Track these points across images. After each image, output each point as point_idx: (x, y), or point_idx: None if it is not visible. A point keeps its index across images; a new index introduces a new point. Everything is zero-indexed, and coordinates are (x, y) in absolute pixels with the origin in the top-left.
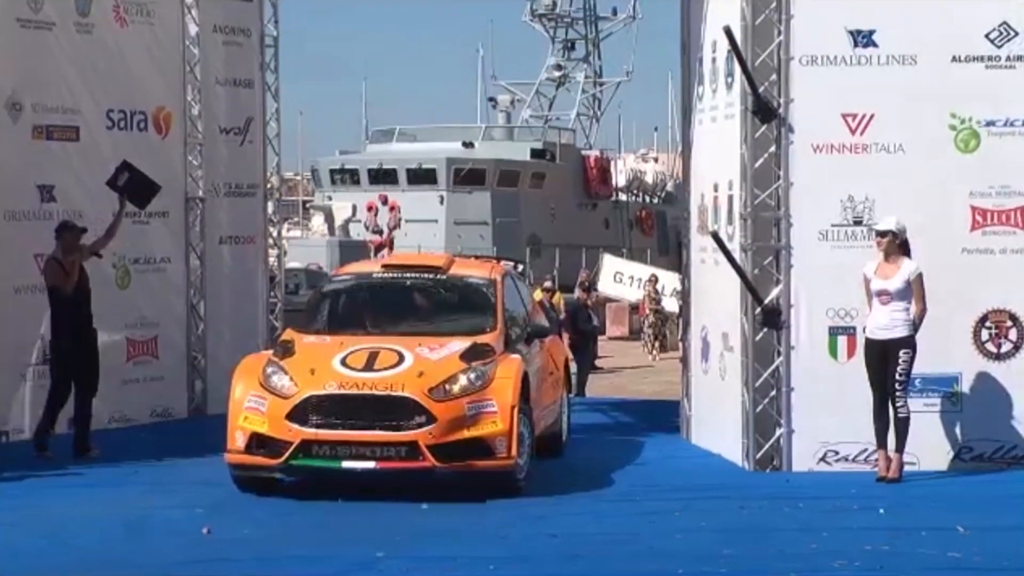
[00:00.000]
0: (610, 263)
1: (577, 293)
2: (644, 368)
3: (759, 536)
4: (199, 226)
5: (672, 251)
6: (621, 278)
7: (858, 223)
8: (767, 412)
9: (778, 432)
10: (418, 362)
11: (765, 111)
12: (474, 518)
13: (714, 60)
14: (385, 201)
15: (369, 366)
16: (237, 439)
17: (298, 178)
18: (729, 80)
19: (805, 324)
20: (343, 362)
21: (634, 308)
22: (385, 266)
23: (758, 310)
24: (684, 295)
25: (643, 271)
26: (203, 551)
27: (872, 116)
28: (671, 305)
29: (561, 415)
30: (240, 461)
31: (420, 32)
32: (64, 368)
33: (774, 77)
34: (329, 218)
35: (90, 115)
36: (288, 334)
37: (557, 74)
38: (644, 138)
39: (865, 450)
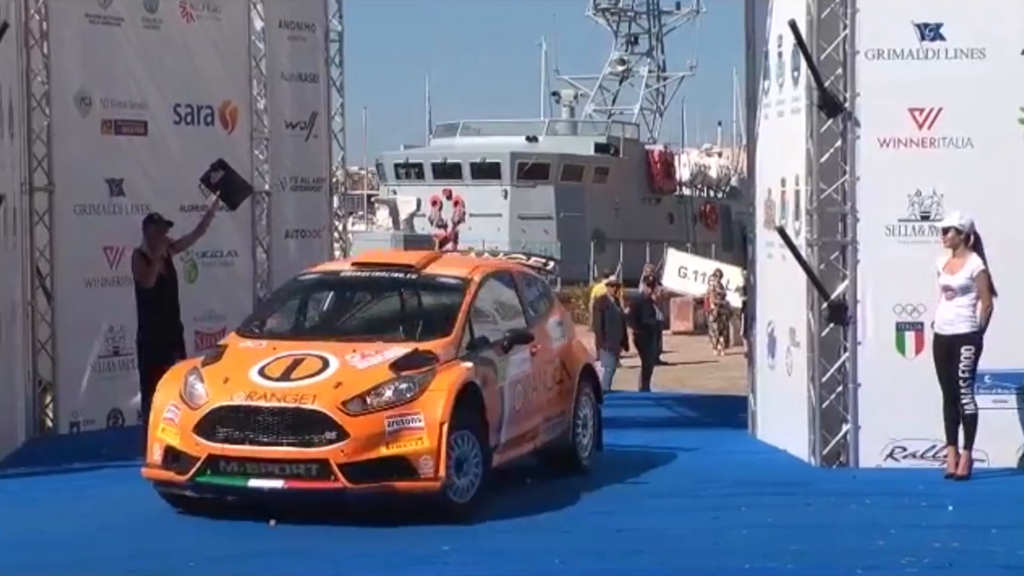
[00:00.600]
0: (674, 258)
1: (641, 287)
2: (708, 363)
3: (826, 532)
4: (265, 220)
5: (736, 246)
6: (685, 273)
7: (925, 218)
8: (833, 408)
9: (845, 428)
10: (341, 371)
11: (831, 105)
12: (539, 512)
13: (779, 54)
14: (449, 195)
15: (286, 375)
16: (155, 452)
17: (363, 172)
18: (795, 74)
19: (872, 320)
20: (261, 370)
21: (698, 303)
22: (355, 264)
23: (824, 305)
24: (749, 290)
25: (707, 266)
26: (277, 538)
27: (940, 110)
28: (735, 300)
29: (575, 427)
30: (154, 476)
31: (483, 26)
32: (146, 362)
33: (840, 71)
34: (394, 212)
35: (158, 110)
36: (229, 338)
37: (620, 68)
38: (708, 132)
39: (933, 446)
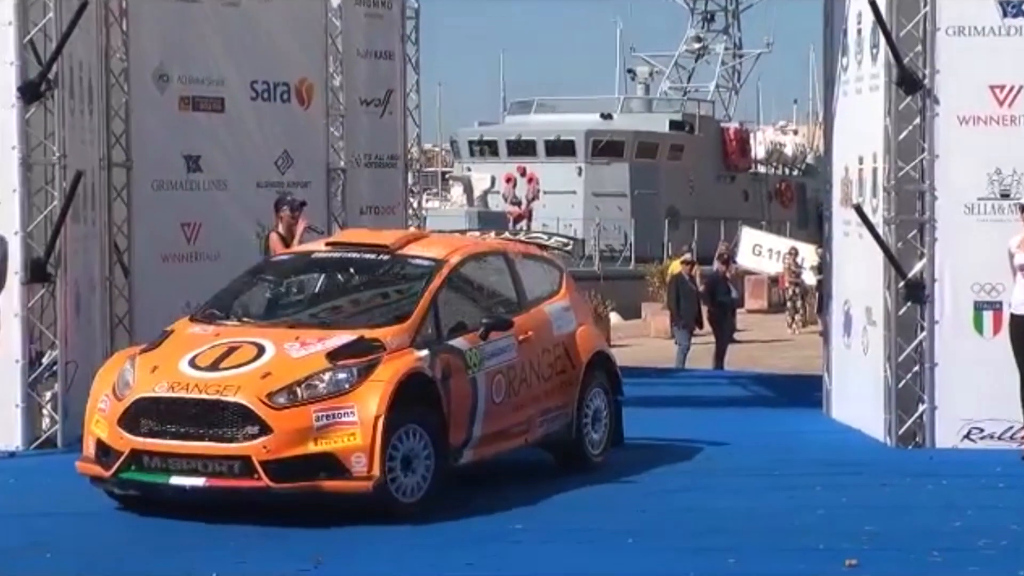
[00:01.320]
0: (749, 235)
1: (716, 265)
2: (783, 342)
3: (901, 513)
4: (340, 196)
5: (812, 224)
6: (760, 251)
7: (1005, 196)
8: (910, 388)
9: (921, 408)
10: (274, 360)
11: (910, 82)
12: (613, 491)
13: (859, 31)
14: (523, 172)
15: (215, 364)
16: (89, 444)
17: (437, 149)
18: (874, 51)
19: (950, 299)
20: (193, 359)
21: (773, 281)
22: (330, 244)
23: (901, 284)
24: (825, 268)
25: (782, 244)
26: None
27: (1021, 88)
28: (810, 278)
29: (580, 420)
30: (86, 470)
31: (559, 3)
32: None
33: (919, 48)
34: (468, 189)
35: (234, 86)
36: (179, 323)
37: (696, 46)
38: (783, 110)
39: (1011, 428)
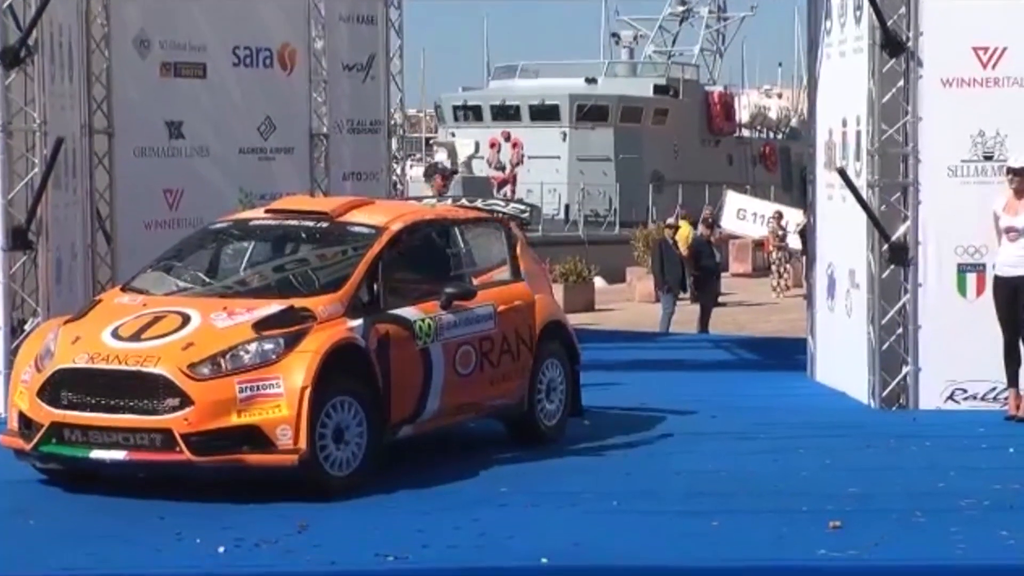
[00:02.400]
0: (733, 200)
1: (700, 230)
2: (767, 305)
3: (885, 475)
4: (323, 163)
5: (796, 187)
6: (744, 215)
7: (988, 159)
8: (894, 350)
9: (905, 370)
10: (199, 331)
11: (894, 45)
12: (598, 455)
13: None
14: (508, 137)
15: (137, 335)
16: (12, 417)
17: (421, 115)
18: (857, 13)
19: (933, 261)
20: (115, 329)
21: (757, 245)
22: (270, 211)
23: (885, 247)
24: (809, 232)
25: (767, 208)
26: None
27: (1004, 49)
28: (795, 242)
29: (534, 391)
30: (9, 443)
31: None
32: None
33: (903, 10)
34: (452, 155)
35: (216, 52)
36: (108, 292)
37: (681, 9)
38: (768, 73)
39: (994, 388)
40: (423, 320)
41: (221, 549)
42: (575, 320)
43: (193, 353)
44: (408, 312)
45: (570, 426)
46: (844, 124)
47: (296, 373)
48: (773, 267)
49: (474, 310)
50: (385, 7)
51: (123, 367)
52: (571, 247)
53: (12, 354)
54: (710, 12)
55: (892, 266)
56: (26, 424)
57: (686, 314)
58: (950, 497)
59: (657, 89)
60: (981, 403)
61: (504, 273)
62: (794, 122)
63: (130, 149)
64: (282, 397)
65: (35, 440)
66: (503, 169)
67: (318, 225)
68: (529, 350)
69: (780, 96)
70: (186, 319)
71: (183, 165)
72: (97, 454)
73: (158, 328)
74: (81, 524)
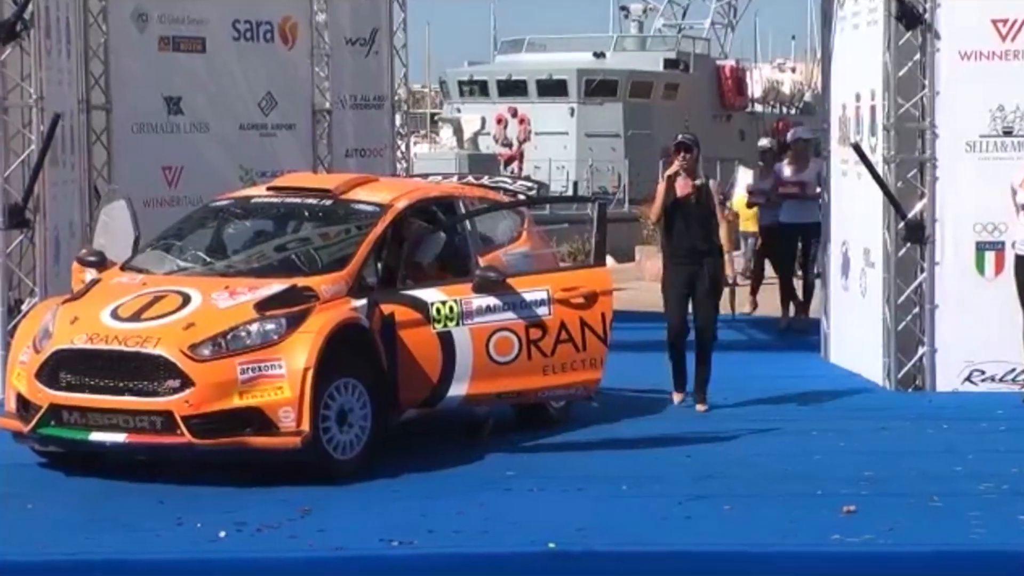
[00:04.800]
0: (745, 176)
1: None
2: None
3: (901, 458)
4: (326, 139)
5: None
6: None
7: (1008, 133)
8: (910, 330)
9: (921, 351)
10: (200, 311)
11: (910, 16)
12: (605, 437)
13: None
14: (515, 113)
15: (137, 315)
16: (10, 399)
17: (426, 90)
18: None
19: (951, 239)
20: (115, 310)
21: None
22: (271, 188)
23: (901, 224)
24: (823, 209)
25: None
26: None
27: None
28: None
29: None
30: (7, 425)
31: None
32: None
33: None
34: (458, 131)
35: (216, 26)
36: (107, 272)
37: None
38: (781, 47)
39: (1013, 370)
40: (443, 302)
41: (222, 534)
42: None
43: (194, 334)
44: (425, 293)
45: (578, 409)
46: (858, 99)
47: (298, 354)
48: None
49: (520, 295)
50: None
51: (123, 348)
52: (579, 225)
53: (9, 335)
54: None
55: (908, 244)
56: (24, 406)
57: None
58: (968, 481)
59: (667, 63)
60: (1000, 385)
61: (512, 251)
62: (808, 97)
63: (128, 125)
64: (284, 379)
65: (33, 422)
66: (510, 146)
67: (321, 203)
68: (600, 340)
69: (793, 70)
70: (187, 299)
71: (182, 141)
72: (96, 436)
73: (158, 308)
74: (80, 508)
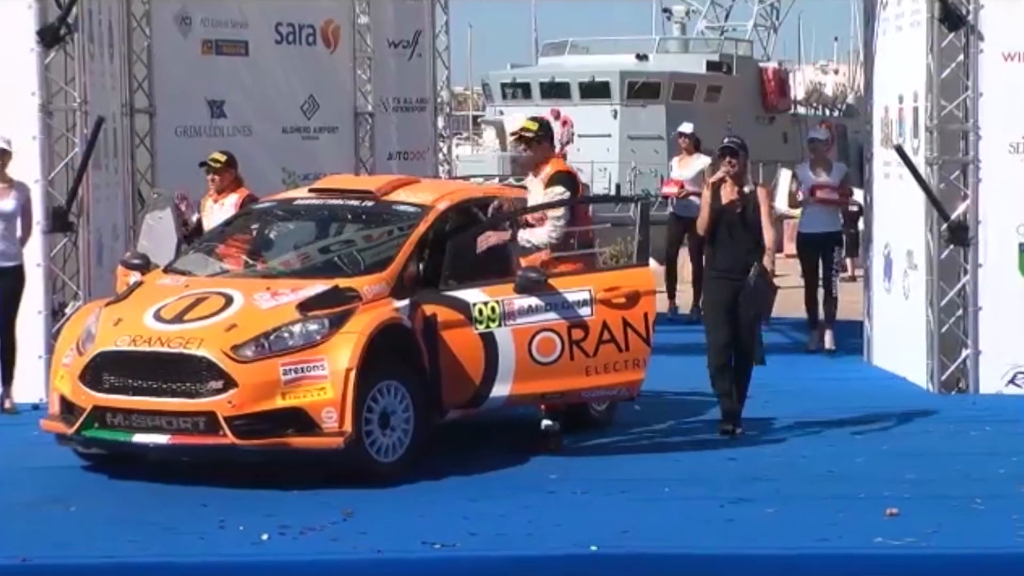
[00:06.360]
0: (787, 178)
1: None
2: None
3: (944, 460)
4: (368, 141)
5: (852, 165)
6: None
7: None
8: (953, 332)
9: (964, 353)
10: (242, 312)
11: (953, 18)
12: (647, 440)
13: None
14: (557, 116)
15: (180, 316)
16: (54, 401)
17: (468, 92)
18: None
19: (994, 241)
20: (158, 311)
21: None
22: (313, 190)
23: (944, 226)
24: (866, 211)
25: None
26: None
27: None
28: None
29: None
30: (51, 428)
31: None
32: None
33: None
34: (500, 133)
35: (258, 29)
36: (151, 274)
37: None
38: (824, 49)
39: None
40: (485, 303)
41: (265, 536)
42: None
43: (236, 335)
44: (468, 294)
45: (621, 411)
46: (901, 100)
47: (341, 355)
48: None
49: (562, 295)
50: None
51: (166, 349)
52: (622, 228)
53: (53, 338)
54: None
55: (951, 246)
56: (68, 408)
57: None
58: (1011, 483)
59: (710, 65)
60: None
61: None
62: (851, 99)
63: (172, 128)
64: (327, 379)
65: (77, 424)
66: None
67: (363, 204)
68: (643, 340)
69: (836, 72)
70: (229, 300)
71: (225, 145)
72: (140, 438)
73: (200, 310)
74: (123, 510)
